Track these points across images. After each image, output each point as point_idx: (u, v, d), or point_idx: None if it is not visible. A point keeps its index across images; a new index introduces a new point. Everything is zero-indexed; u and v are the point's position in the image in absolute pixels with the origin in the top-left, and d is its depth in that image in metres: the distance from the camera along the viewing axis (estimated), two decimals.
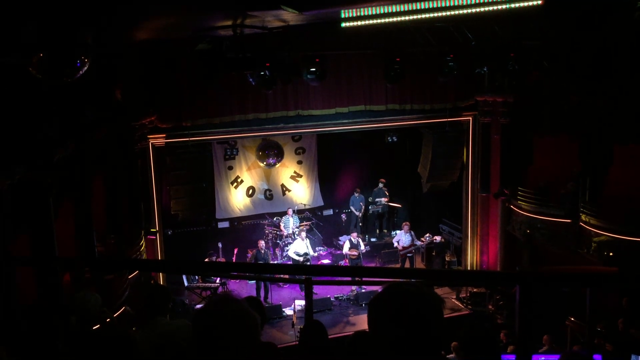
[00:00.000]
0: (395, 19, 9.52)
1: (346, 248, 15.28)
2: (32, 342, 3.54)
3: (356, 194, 17.66)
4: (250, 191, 17.64)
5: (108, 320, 5.22)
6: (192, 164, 14.03)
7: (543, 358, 9.13)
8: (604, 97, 12.42)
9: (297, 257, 14.89)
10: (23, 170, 8.19)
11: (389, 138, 17.37)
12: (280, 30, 10.43)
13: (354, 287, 14.60)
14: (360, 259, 15.13)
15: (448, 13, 9.29)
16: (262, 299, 14.05)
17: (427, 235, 16.21)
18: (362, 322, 13.34)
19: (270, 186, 17.87)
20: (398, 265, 15.74)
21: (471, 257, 15.99)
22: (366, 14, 9.54)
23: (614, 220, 12.20)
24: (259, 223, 17.48)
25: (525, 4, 8.80)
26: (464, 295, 14.90)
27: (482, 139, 15.43)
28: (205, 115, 13.43)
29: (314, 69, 11.95)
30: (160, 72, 12.43)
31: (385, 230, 18.50)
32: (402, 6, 9.25)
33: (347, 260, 15.30)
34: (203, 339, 2.11)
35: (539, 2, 8.66)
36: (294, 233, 16.13)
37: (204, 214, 15.59)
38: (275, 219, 17.02)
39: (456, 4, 9.07)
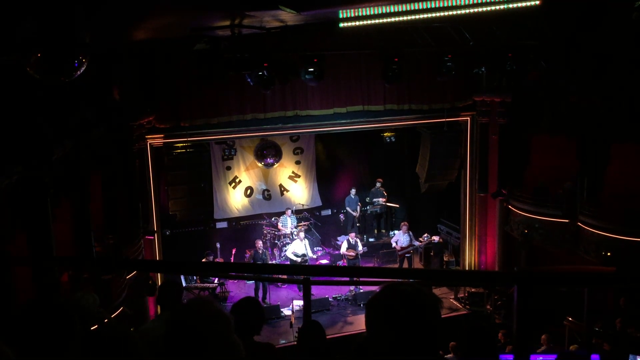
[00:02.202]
0: (393, 19, 9.51)
1: (344, 248, 15.28)
2: (30, 342, 3.52)
3: (352, 194, 17.64)
4: (249, 191, 17.63)
5: (106, 320, 5.21)
6: (190, 164, 14.02)
7: (541, 358, 9.14)
8: (602, 96, 12.44)
9: (295, 258, 14.88)
10: (21, 169, 8.18)
11: (387, 138, 17.37)
12: (278, 31, 10.42)
13: (352, 287, 14.61)
14: (358, 259, 15.13)
15: (446, 13, 9.28)
16: (260, 299, 14.04)
17: (425, 235, 16.22)
18: (360, 322, 13.35)
19: (268, 186, 17.86)
20: (396, 266, 15.74)
21: (469, 257, 16.00)
22: (364, 14, 9.54)
23: (611, 220, 12.22)
24: (257, 223, 17.47)
25: (523, 4, 8.80)
26: (462, 295, 14.91)
27: (480, 139, 15.45)
28: (203, 115, 13.42)
29: (312, 69, 11.95)
30: (158, 72, 12.42)
31: (384, 230, 18.50)
32: (400, 6, 9.25)
33: (345, 261, 15.30)
34: (178, 340, 2.12)
35: (537, 2, 8.67)
36: (292, 233, 16.12)
37: (202, 214, 15.58)
38: (273, 219, 17.02)
39: (454, 4, 9.07)
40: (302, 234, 15.26)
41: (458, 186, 16.06)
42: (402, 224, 16.01)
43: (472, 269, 15.93)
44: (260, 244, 15.01)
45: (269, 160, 16.82)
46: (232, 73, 11.52)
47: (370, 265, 16.21)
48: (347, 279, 12.24)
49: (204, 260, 14.43)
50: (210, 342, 2.11)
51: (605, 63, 11.95)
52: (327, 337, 4.61)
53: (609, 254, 12.08)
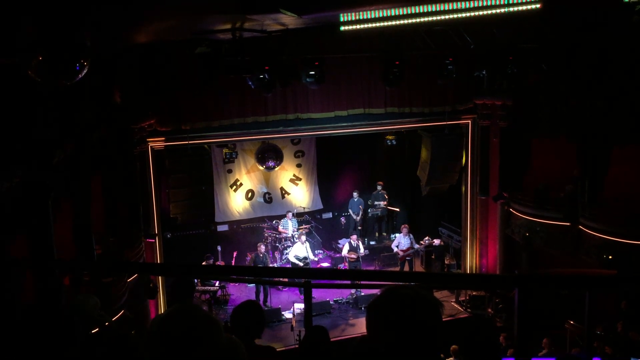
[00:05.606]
0: (394, 23, 9.53)
1: (345, 251, 15.28)
2: (31, 344, 3.53)
3: (355, 197, 17.65)
4: (250, 194, 17.64)
5: (107, 324, 5.21)
6: (191, 167, 14.03)
7: None
8: (602, 99, 12.45)
9: (297, 261, 14.88)
10: (22, 172, 8.19)
11: (388, 141, 17.39)
12: (279, 34, 10.44)
13: (353, 290, 14.59)
14: (359, 262, 15.13)
15: (447, 17, 9.30)
16: (261, 302, 14.03)
17: (427, 238, 16.21)
18: (361, 325, 13.33)
19: (269, 189, 17.86)
20: (397, 269, 15.73)
21: (470, 260, 15.98)
22: (365, 17, 9.55)
23: (613, 223, 12.21)
24: (258, 226, 17.47)
25: (524, 7, 8.82)
26: (463, 298, 14.90)
27: (481, 142, 15.44)
28: (204, 118, 13.41)
29: (313, 72, 11.95)
30: (160, 75, 12.43)
31: (385, 234, 18.50)
32: (401, 10, 9.27)
33: (346, 263, 15.29)
34: (168, 346, 2.11)
35: (538, 5, 8.68)
36: (293, 236, 16.13)
37: (203, 217, 15.58)
38: (274, 222, 17.01)
39: (455, 7, 9.08)
40: (303, 237, 15.25)
41: (459, 189, 16.05)
42: (403, 226, 16.03)
43: (473, 272, 15.90)
44: (262, 247, 15.01)
45: (270, 163, 16.82)
46: (233, 76, 11.54)
47: (371, 268, 16.19)
48: (348, 282, 12.23)
49: (204, 263, 14.41)
50: (198, 349, 2.11)
51: (605, 65, 11.96)
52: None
53: (610, 257, 12.07)
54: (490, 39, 12.24)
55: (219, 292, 14.93)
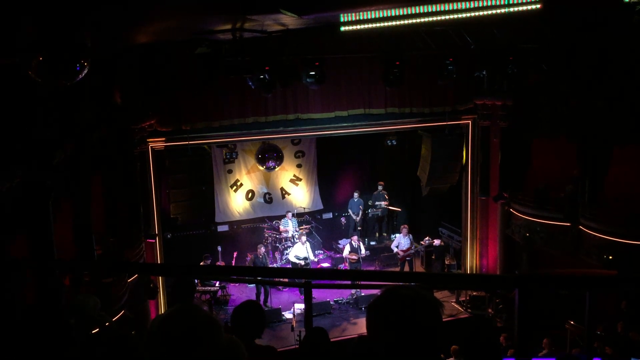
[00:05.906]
0: (394, 23, 9.52)
1: (346, 252, 15.29)
2: (31, 344, 3.53)
3: (355, 197, 17.64)
4: (250, 195, 17.64)
5: (107, 324, 5.22)
6: (192, 167, 14.03)
7: None
8: (602, 99, 12.45)
9: (297, 262, 14.88)
10: (22, 172, 8.19)
11: (388, 141, 17.38)
12: (279, 34, 10.44)
13: (353, 291, 14.59)
14: (359, 263, 15.14)
15: (447, 17, 9.30)
16: (261, 302, 14.03)
17: (427, 238, 16.20)
18: (361, 325, 13.32)
19: (269, 190, 17.86)
20: (397, 269, 15.73)
21: (471, 261, 15.98)
22: (365, 17, 9.55)
23: (613, 223, 12.21)
24: (259, 227, 17.47)
25: (524, 7, 8.82)
26: (464, 298, 14.89)
27: (482, 142, 15.44)
28: (204, 118, 13.42)
29: (313, 73, 11.94)
30: (160, 75, 12.43)
31: (385, 234, 18.49)
32: (401, 10, 9.27)
33: (347, 264, 15.30)
34: (168, 346, 2.11)
35: (538, 5, 8.68)
36: (293, 237, 16.13)
37: (203, 217, 15.57)
38: (274, 222, 17.02)
39: (455, 8, 9.08)
40: (303, 238, 15.26)
41: (459, 189, 16.04)
42: (402, 226, 16.04)
43: (474, 272, 15.90)
44: (262, 249, 15.00)
45: (270, 164, 16.82)
46: (233, 76, 11.54)
47: (372, 268, 16.19)
48: (349, 282, 12.23)
49: (202, 264, 14.41)
50: (198, 349, 2.11)
51: (606, 66, 11.96)
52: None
53: (610, 257, 12.07)
54: (490, 39, 12.24)
55: (219, 293, 14.93)
